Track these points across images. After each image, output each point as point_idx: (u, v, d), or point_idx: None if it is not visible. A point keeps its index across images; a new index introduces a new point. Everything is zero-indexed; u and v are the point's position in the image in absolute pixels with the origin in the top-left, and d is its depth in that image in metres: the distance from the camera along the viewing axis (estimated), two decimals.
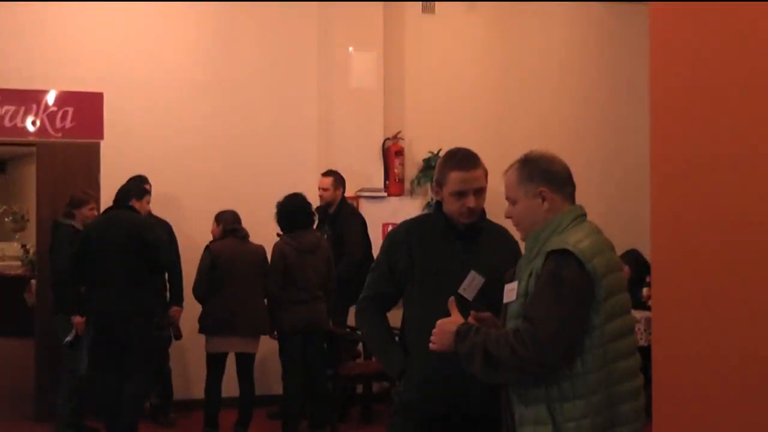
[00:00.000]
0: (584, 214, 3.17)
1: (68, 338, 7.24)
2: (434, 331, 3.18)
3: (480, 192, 3.74)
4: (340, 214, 8.05)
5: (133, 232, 6.87)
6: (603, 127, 9.74)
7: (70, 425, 7.41)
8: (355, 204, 8.52)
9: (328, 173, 8.18)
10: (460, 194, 3.72)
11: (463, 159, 3.77)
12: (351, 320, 7.97)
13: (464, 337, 3.09)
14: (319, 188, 8.09)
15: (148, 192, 7.64)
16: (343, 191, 8.19)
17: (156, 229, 7.19)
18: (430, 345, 3.19)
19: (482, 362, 3.01)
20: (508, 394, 3.13)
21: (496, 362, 2.98)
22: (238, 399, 7.37)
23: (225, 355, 7.29)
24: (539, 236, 3.11)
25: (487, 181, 3.79)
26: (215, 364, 7.28)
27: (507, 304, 3.15)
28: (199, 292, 7.20)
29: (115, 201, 7.18)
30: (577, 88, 9.69)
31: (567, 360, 2.93)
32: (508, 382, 3.09)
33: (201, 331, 7.29)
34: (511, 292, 3.13)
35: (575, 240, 3.00)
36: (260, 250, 7.40)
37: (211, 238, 7.48)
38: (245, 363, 7.36)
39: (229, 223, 7.35)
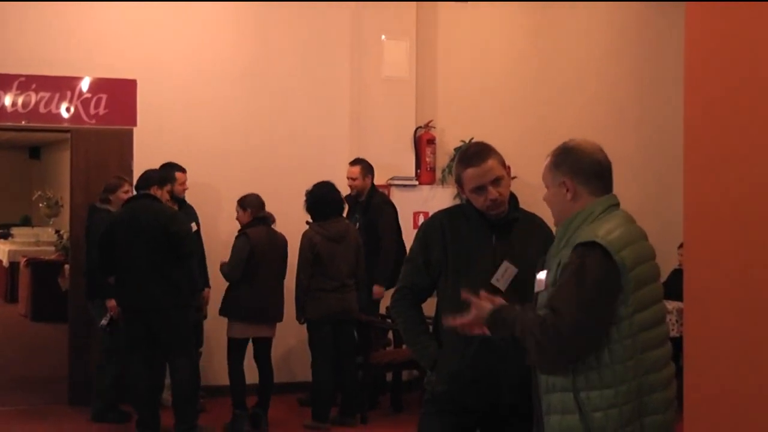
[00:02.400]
0: (617, 204, 3.16)
1: (103, 321, 7.32)
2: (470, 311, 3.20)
3: (498, 181, 3.73)
4: (371, 203, 8.06)
5: (156, 224, 6.92)
6: (639, 120, 9.67)
7: (106, 409, 7.50)
8: (386, 192, 8.51)
9: (356, 162, 8.18)
10: (479, 189, 3.73)
11: (473, 155, 3.78)
12: (382, 308, 8.02)
13: (497, 315, 3.12)
14: (347, 177, 8.08)
15: (169, 180, 7.64)
16: (372, 179, 8.19)
17: (178, 218, 7.20)
18: (457, 320, 3.22)
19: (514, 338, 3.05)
20: (537, 383, 3.13)
21: (523, 347, 3.01)
22: (257, 384, 7.41)
23: (248, 340, 7.32)
24: (569, 225, 3.10)
25: (505, 167, 3.78)
26: (240, 348, 7.29)
27: (537, 293, 3.15)
28: (234, 277, 7.18)
29: (136, 188, 7.23)
30: (613, 80, 9.62)
31: (589, 351, 2.93)
32: (534, 365, 3.09)
33: (226, 315, 7.32)
34: (540, 282, 3.14)
35: (605, 231, 2.98)
36: (284, 237, 7.44)
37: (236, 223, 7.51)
38: (265, 347, 7.40)
39: (257, 209, 7.35)
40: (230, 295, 7.27)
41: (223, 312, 7.33)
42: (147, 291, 6.88)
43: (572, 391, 2.98)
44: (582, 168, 3.12)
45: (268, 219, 7.37)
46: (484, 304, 3.18)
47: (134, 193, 7.30)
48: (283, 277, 7.46)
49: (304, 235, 7.31)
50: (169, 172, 7.76)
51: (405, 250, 7.73)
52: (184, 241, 6.97)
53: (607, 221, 3.04)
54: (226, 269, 7.23)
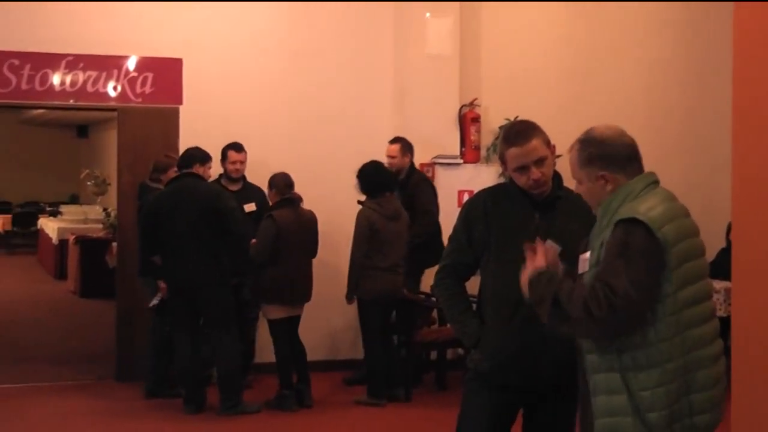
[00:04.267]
0: (657, 181, 3.13)
1: (154, 301, 7.39)
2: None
3: (541, 161, 3.70)
4: (410, 181, 8.04)
5: (201, 202, 6.97)
6: (684, 100, 9.54)
7: (156, 385, 7.60)
8: (430, 171, 8.50)
9: (396, 140, 8.16)
10: (522, 169, 3.70)
11: (517, 134, 3.74)
12: (424, 286, 8.02)
13: (537, 284, 3.10)
14: (386, 155, 8.05)
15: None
16: (412, 157, 8.17)
17: (224, 197, 7.23)
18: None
19: (550, 310, 3.03)
20: (584, 363, 3.12)
21: (564, 314, 2.99)
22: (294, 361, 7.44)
23: (286, 319, 7.33)
24: (611, 205, 3.08)
25: (549, 147, 3.76)
26: (278, 328, 7.31)
27: (581, 274, 3.13)
28: (260, 259, 7.16)
29: (178, 166, 7.28)
30: (657, 63, 9.51)
31: (635, 327, 2.91)
32: (572, 335, 3.08)
33: (256, 297, 7.37)
34: (584, 262, 3.13)
35: (646, 207, 2.97)
36: (313, 217, 7.42)
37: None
38: (294, 325, 7.42)
39: (282, 190, 7.31)
40: (260, 278, 7.27)
41: (254, 294, 7.37)
42: (191, 269, 6.96)
43: (618, 371, 2.97)
44: (617, 156, 3.10)
45: (295, 200, 7.34)
46: (539, 258, 3.16)
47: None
48: (314, 257, 7.47)
49: (361, 213, 7.32)
50: (223, 150, 7.86)
51: (440, 229, 7.74)
52: (228, 218, 7.01)
53: (648, 198, 3.02)
54: (253, 251, 7.19)
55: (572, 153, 3.20)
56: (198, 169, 7.20)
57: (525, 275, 3.19)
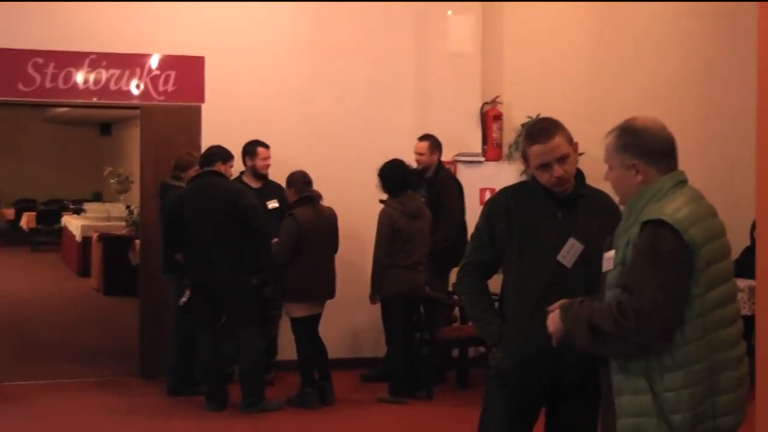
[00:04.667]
0: (685, 180, 3.11)
1: (183, 299, 7.40)
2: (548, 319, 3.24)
3: (563, 159, 3.69)
4: (437, 179, 8.05)
5: (223, 200, 6.99)
6: (706, 98, 9.49)
7: (179, 383, 7.64)
8: (452, 169, 8.49)
9: (425, 137, 8.16)
10: (544, 166, 3.69)
11: (539, 132, 3.73)
12: (449, 285, 8.02)
13: (567, 311, 3.10)
14: (415, 153, 8.07)
15: (249, 154, 7.78)
16: (440, 155, 8.17)
17: (246, 194, 7.24)
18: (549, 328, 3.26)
19: (589, 335, 3.02)
20: (607, 363, 3.10)
21: (602, 334, 2.97)
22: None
23: (308, 317, 7.34)
24: (637, 203, 3.06)
25: (572, 144, 3.74)
26: (300, 326, 7.32)
27: (605, 273, 3.12)
28: (283, 258, 7.17)
29: (200, 164, 7.30)
30: (681, 62, 9.46)
31: (669, 330, 2.89)
32: (614, 354, 3.05)
33: (279, 295, 7.37)
34: (608, 261, 3.11)
35: (672, 209, 2.94)
36: (332, 213, 7.42)
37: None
38: (315, 323, 7.44)
39: (300, 188, 7.31)
40: (282, 276, 7.26)
41: (278, 293, 7.38)
42: (214, 266, 6.98)
43: (644, 372, 2.95)
44: (653, 149, 3.08)
45: (314, 197, 7.34)
46: (552, 316, 3.22)
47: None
48: (335, 253, 7.48)
49: (383, 212, 7.32)
50: (250, 146, 7.87)
51: (467, 227, 7.73)
52: (250, 216, 7.03)
53: (675, 199, 3.00)
54: (275, 250, 7.21)
55: (609, 138, 3.18)
56: (220, 167, 7.22)
57: (552, 318, 3.22)
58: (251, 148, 7.92)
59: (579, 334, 3.07)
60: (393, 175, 7.33)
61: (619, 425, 3.03)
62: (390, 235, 7.24)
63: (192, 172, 7.47)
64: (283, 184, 7.57)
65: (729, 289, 3.02)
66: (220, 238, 6.97)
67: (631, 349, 2.96)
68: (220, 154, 7.29)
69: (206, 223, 6.97)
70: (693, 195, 3.05)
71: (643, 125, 3.12)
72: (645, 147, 3.08)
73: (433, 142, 8.11)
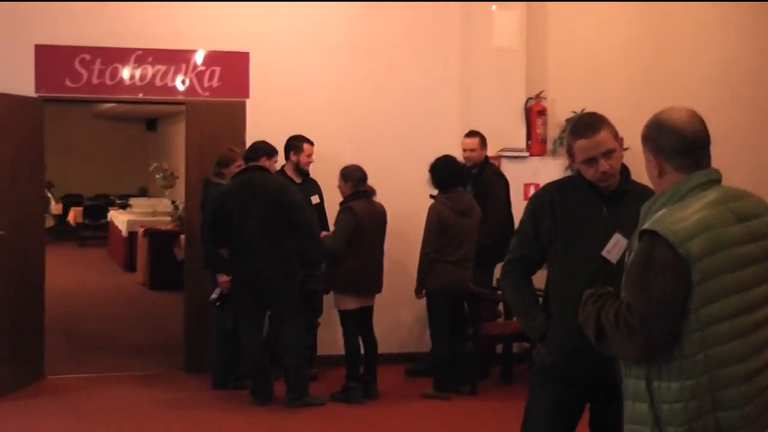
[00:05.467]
0: (714, 180, 2.95)
1: (213, 296, 7.47)
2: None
3: (609, 154, 3.67)
4: (483, 174, 8.03)
5: (267, 195, 7.01)
6: (752, 96, 9.38)
7: (224, 377, 7.69)
8: (496, 164, 8.47)
9: (473, 133, 8.14)
10: (590, 161, 3.67)
11: (585, 126, 3.70)
12: (493, 280, 8.00)
13: (585, 305, 3.07)
14: (464, 149, 8.06)
15: (294, 149, 7.81)
16: (486, 151, 8.16)
17: (291, 189, 7.26)
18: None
19: (593, 331, 2.99)
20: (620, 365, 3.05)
21: (604, 337, 2.95)
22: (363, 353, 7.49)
23: (357, 310, 7.37)
24: (653, 206, 2.95)
25: (617, 139, 3.72)
26: (351, 319, 7.35)
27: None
28: (339, 251, 7.20)
29: (245, 159, 7.33)
30: (727, 58, 9.36)
31: (659, 345, 2.80)
32: (613, 354, 3.00)
33: (333, 288, 7.38)
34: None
35: (674, 219, 2.80)
36: (383, 209, 7.46)
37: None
38: (368, 316, 7.46)
39: (357, 183, 7.34)
40: (336, 269, 7.29)
41: (330, 285, 7.40)
42: (259, 261, 7.01)
43: (645, 380, 2.88)
44: (665, 144, 2.95)
45: (369, 192, 7.39)
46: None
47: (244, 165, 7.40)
48: (383, 248, 7.50)
49: (432, 207, 7.33)
50: (296, 142, 7.89)
51: (513, 222, 7.70)
52: (295, 211, 7.05)
53: (689, 205, 2.85)
54: (330, 243, 7.23)
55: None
56: (265, 163, 7.25)
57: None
58: (297, 144, 7.95)
59: (588, 330, 3.04)
60: (444, 170, 7.33)
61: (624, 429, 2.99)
62: (438, 230, 7.24)
63: (234, 167, 7.51)
64: (321, 182, 7.58)
65: (735, 302, 2.82)
66: (266, 233, 7.00)
67: (627, 354, 2.91)
68: (265, 149, 7.33)
69: (253, 217, 7.00)
70: (713, 200, 2.89)
71: (665, 119, 2.99)
72: (657, 141, 2.98)
73: (482, 138, 8.11)
